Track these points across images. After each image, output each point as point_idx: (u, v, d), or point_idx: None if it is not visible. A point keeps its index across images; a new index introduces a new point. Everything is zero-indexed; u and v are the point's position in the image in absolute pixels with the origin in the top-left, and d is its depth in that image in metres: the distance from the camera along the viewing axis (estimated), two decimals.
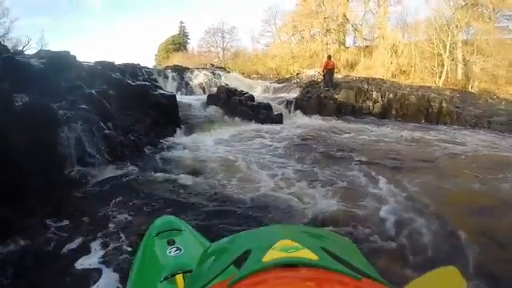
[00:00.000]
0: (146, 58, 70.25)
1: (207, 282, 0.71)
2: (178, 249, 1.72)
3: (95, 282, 3.14)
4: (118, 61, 10.97)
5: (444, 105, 14.77)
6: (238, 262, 0.73)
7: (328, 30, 27.02)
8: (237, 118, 12.35)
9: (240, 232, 0.97)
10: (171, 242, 1.79)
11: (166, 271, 1.51)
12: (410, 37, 23.46)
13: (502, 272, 3.38)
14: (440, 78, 20.73)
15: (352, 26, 27.08)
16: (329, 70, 16.69)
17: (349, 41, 28.38)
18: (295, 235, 0.83)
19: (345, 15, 26.26)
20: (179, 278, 1.47)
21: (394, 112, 15.29)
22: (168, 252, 1.71)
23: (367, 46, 25.90)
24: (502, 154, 8.69)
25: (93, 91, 7.06)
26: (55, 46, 42.90)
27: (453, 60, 21.10)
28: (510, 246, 3.94)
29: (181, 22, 49.36)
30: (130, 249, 3.67)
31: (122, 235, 4.02)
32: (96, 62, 9.43)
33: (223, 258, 0.83)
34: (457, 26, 20.80)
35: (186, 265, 1.55)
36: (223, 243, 1.01)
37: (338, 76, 18.68)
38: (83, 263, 3.46)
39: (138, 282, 1.70)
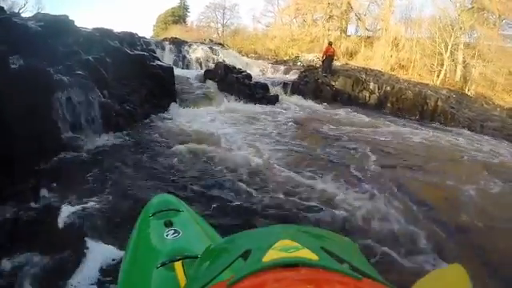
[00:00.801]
0: (144, 28, 69.73)
1: (207, 282, 0.70)
2: (176, 231, 1.64)
3: (86, 255, 3.12)
4: (116, 29, 10.81)
5: (439, 103, 14.87)
6: (238, 262, 0.73)
7: (331, 16, 26.96)
8: (233, 96, 12.33)
9: (240, 232, 0.96)
10: (168, 224, 1.72)
11: (162, 256, 1.44)
12: (413, 32, 23.60)
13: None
14: (438, 76, 20.90)
15: (355, 14, 27.07)
16: (328, 57, 16.69)
17: (351, 29, 28.45)
18: (295, 235, 0.83)
19: (349, 3, 26.16)
20: (178, 264, 1.38)
21: (389, 105, 15.38)
22: (165, 235, 1.62)
23: (369, 37, 26.02)
24: None
25: (90, 58, 6.95)
26: (51, 10, 42.29)
27: (453, 61, 21.30)
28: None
29: None
30: (123, 224, 3.62)
31: (115, 206, 4.02)
32: (94, 29, 9.27)
33: (223, 258, 0.82)
34: (461, 28, 20.92)
35: (185, 250, 1.47)
36: (223, 243, 1.01)
37: (336, 63, 18.71)
38: (75, 233, 3.45)
39: (132, 268, 1.62)
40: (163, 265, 1.38)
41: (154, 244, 1.63)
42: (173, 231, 1.64)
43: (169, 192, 4.48)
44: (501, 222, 4.79)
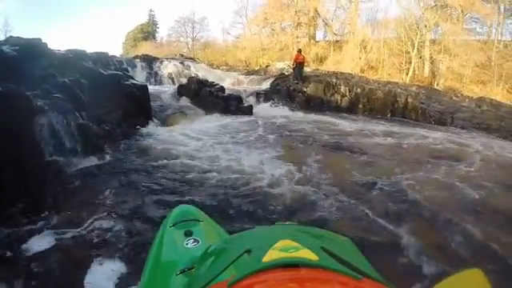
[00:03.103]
0: (113, 46, 68.99)
1: (207, 282, 0.72)
2: (196, 240, 1.65)
3: (93, 275, 3.09)
4: (84, 48, 10.79)
5: (410, 100, 15.12)
6: (238, 262, 0.75)
7: (299, 24, 27.28)
8: (207, 109, 12.30)
9: (240, 232, 0.99)
10: (188, 233, 1.73)
11: (182, 264, 1.46)
12: (380, 34, 23.95)
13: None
14: (407, 74, 21.32)
15: (323, 20, 27.44)
16: (299, 64, 16.85)
17: (319, 35, 28.88)
18: (295, 235, 0.85)
19: (316, 10, 26.50)
20: None
21: (361, 106, 15.55)
22: (185, 244, 1.64)
23: (337, 41, 26.33)
24: None
25: (66, 80, 6.92)
26: (19, 32, 41.75)
27: (420, 58, 21.74)
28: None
29: (150, 10, 48.90)
30: (120, 239, 3.64)
31: (107, 224, 3.98)
32: (67, 51, 9.27)
33: (223, 257, 0.84)
34: (426, 26, 21.46)
35: None
36: (223, 243, 1.02)
37: (307, 69, 18.91)
38: (75, 254, 3.41)
39: (153, 276, 1.62)
40: (182, 272, 1.41)
41: (174, 252, 1.66)
42: (192, 240, 1.66)
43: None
44: None
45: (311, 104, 15.49)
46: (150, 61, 19.11)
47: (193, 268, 1.35)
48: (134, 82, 10.03)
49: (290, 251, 0.70)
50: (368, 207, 4.72)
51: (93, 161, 6.20)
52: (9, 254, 3.40)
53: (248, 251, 0.76)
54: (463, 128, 13.16)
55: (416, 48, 21.24)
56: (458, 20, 22.19)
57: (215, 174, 5.81)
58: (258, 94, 15.56)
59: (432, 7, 21.82)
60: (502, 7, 23.02)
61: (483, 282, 0.67)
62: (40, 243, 3.57)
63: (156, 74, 18.39)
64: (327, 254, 0.70)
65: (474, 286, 0.68)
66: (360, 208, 4.72)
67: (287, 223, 1.08)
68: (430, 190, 5.52)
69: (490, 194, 5.52)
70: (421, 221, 4.46)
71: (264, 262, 0.66)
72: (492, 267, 3.37)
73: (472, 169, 6.89)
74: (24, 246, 3.50)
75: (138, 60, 18.96)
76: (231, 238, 1.02)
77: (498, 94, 18.59)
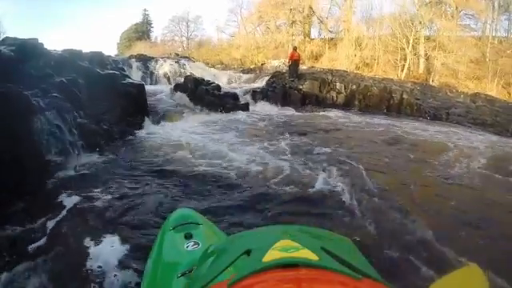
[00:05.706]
0: (107, 46, 68.71)
1: (207, 282, 0.73)
2: (196, 243, 1.69)
3: (96, 277, 3.03)
4: (79, 49, 10.75)
5: (405, 96, 15.22)
6: (238, 262, 0.76)
7: (294, 22, 27.24)
8: (204, 108, 12.35)
9: (240, 232, 1.01)
10: (188, 236, 1.76)
11: (183, 267, 1.48)
12: (375, 31, 23.95)
13: None
14: (402, 71, 21.34)
15: (318, 18, 27.40)
16: (294, 61, 16.92)
17: (314, 33, 28.84)
18: (295, 235, 0.87)
19: (311, 7, 26.52)
20: None
21: (356, 102, 15.66)
22: (185, 246, 1.67)
23: (332, 39, 26.30)
24: None
25: (63, 79, 6.92)
26: (12, 34, 41.46)
27: (415, 54, 21.76)
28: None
29: (144, 10, 48.71)
30: (120, 240, 3.57)
31: (110, 225, 3.93)
32: (63, 51, 9.23)
33: (223, 258, 0.85)
34: (420, 22, 21.50)
35: None
36: (224, 243, 1.04)
37: (302, 67, 18.93)
38: (78, 255, 3.35)
39: (154, 278, 1.65)
40: (183, 274, 1.43)
41: (174, 255, 1.69)
42: (193, 243, 1.70)
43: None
44: None
45: (307, 101, 15.57)
46: (145, 60, 19.00)
47: (193, 271, 1.36)
48: (131, 81, 10.03)
49: (290, 251, 0.71)
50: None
51: (92, 159, 6.24)
52: (11, 251, 3.39)
53: (248, 251, 0.78)
54: (458, 123, 13.23)
55: (411, 45, 21.27)
56: (452, 16, 22.26)
57: (211, 170, 5.82)
58: (253, 92, 15.50)
59: (426, 4, 21.85)
60: (495, 3, 23.23)
61: (481, 279, 0.67)
62: (41, 240, 3.58)
63: (152, 73, 18.31)
64: (327, 254, 0.72)
65: (472, 283, 0.68)
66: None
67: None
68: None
69: None
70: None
71: (264, 261, 0.67)
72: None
73: None
74: (25, 244, 3.50)
75: (134, 59, 18.81)
76: (231, 239, 1.03)
77: (492, 89, 18.68)
